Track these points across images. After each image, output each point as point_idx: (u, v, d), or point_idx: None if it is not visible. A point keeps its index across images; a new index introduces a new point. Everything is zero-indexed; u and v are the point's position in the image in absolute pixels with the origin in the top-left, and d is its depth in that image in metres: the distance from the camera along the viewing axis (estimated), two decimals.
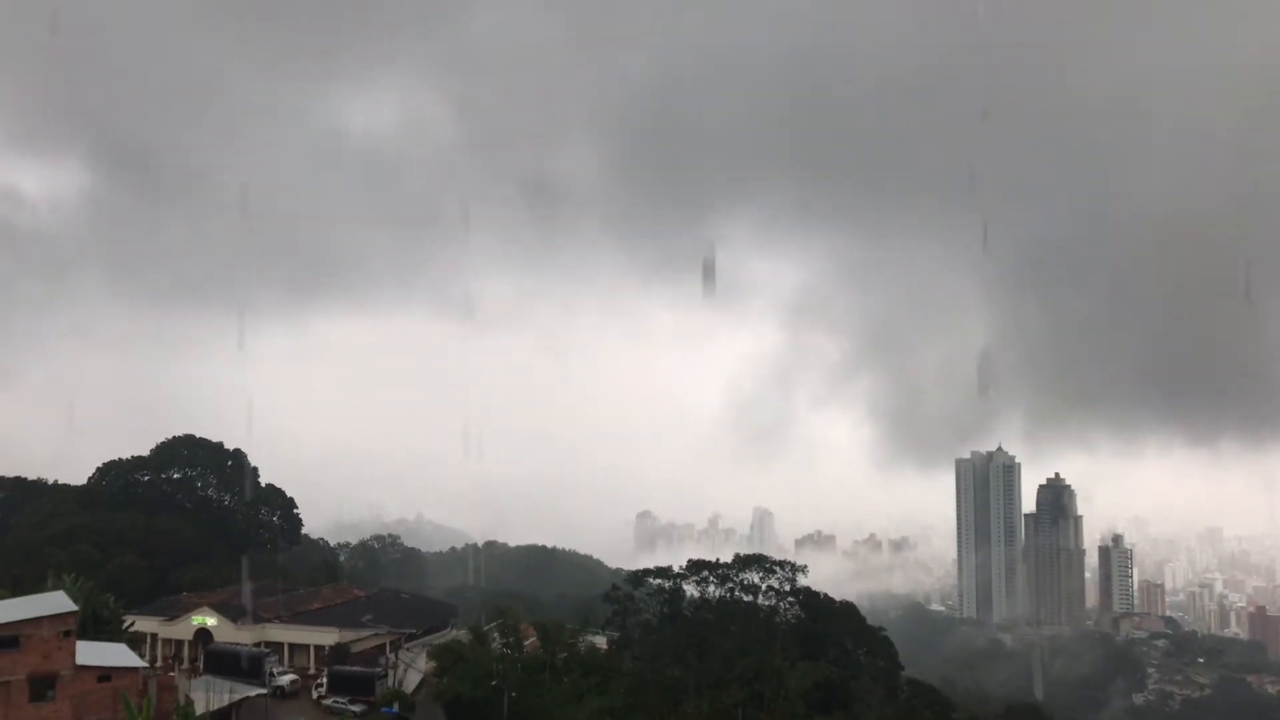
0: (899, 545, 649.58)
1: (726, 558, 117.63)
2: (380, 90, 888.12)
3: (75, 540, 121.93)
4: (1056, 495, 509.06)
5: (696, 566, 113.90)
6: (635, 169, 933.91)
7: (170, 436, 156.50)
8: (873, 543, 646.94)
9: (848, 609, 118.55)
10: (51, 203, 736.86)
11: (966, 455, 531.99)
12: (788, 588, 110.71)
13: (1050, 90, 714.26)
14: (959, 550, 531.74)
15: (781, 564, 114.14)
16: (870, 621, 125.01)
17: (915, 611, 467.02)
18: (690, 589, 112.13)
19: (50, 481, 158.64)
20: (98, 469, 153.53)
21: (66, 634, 55.93)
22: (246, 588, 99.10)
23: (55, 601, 59.34)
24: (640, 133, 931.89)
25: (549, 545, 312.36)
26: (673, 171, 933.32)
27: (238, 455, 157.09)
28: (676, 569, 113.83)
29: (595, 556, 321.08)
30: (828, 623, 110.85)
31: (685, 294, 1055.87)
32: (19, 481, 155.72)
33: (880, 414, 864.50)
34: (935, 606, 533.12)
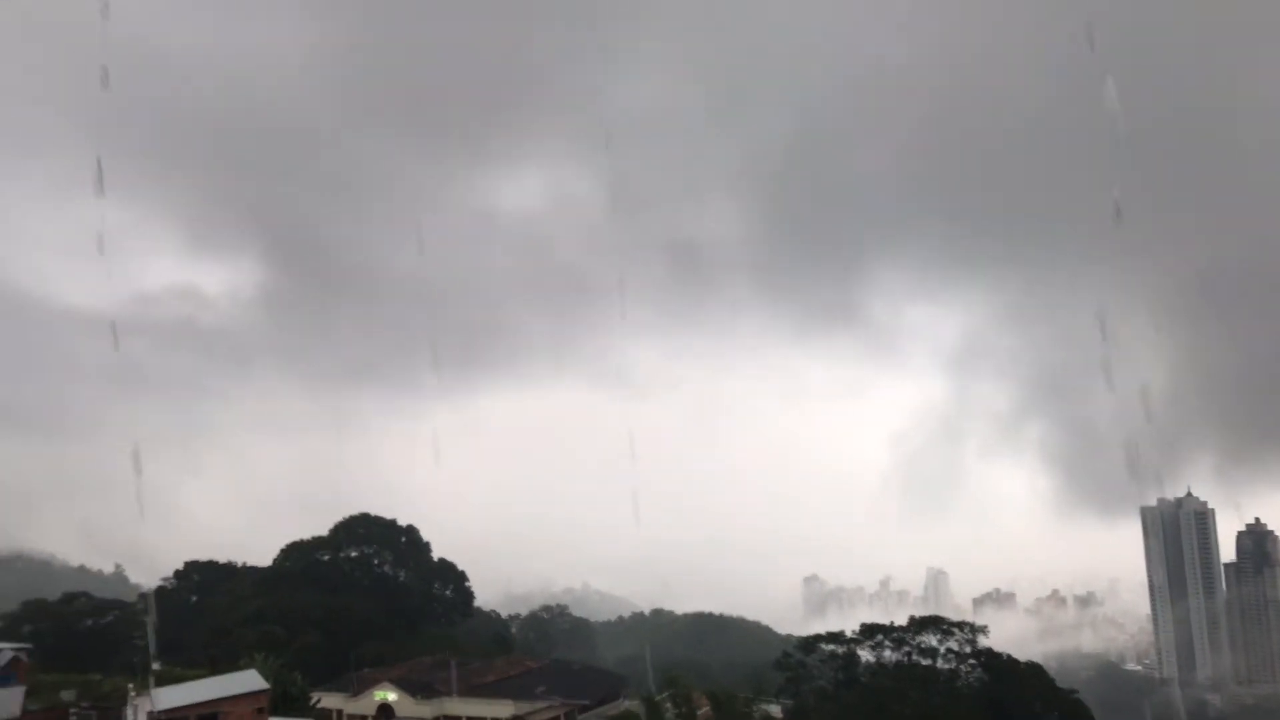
0: (1085, 601, 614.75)
1: (900, 620, 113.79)
2: (527, 168, 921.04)
3: (263, 620, 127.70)
4: (1259, 541, 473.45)
5: (870, 630, 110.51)
6: (781, 224, 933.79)
7: (347, 516, 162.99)
8: (1056, 599, 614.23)
9: (1034, 670, 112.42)
10: (230, 298, 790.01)
11: (1153, 503, 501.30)
12: (968, 650, 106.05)
13: (1216, 99, 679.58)
14: (1153, 605, 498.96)
15: (960, 625, 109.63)
16: (1060, 683, 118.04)
17: (1109, 671, 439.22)
18: (865, 654, 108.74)
19: (239, 564, 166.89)
20: (281, 550, 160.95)
21: (260, 711, 58.38)
22: (424, 662, 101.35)
23: (249, 680, 62.11)
24: (784, 188, 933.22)
25: (716, 612, 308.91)
26: (819, 224, 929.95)
27: (410, 531, 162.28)
28: (849, 633, 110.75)
29: (763, 622, 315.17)
30: (1014, 686, 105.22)
31: (839, 347, 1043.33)
32: (211, 565, 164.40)
33: (1055, 462, 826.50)
34: (1130, 666, 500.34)
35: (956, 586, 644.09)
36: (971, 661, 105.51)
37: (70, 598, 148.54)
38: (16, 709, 58.57)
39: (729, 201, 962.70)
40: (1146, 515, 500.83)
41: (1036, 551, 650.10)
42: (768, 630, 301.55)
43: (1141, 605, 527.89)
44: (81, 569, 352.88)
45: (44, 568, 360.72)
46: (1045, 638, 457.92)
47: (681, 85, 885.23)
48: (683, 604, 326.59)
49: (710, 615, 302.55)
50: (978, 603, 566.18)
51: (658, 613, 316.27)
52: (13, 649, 70.30)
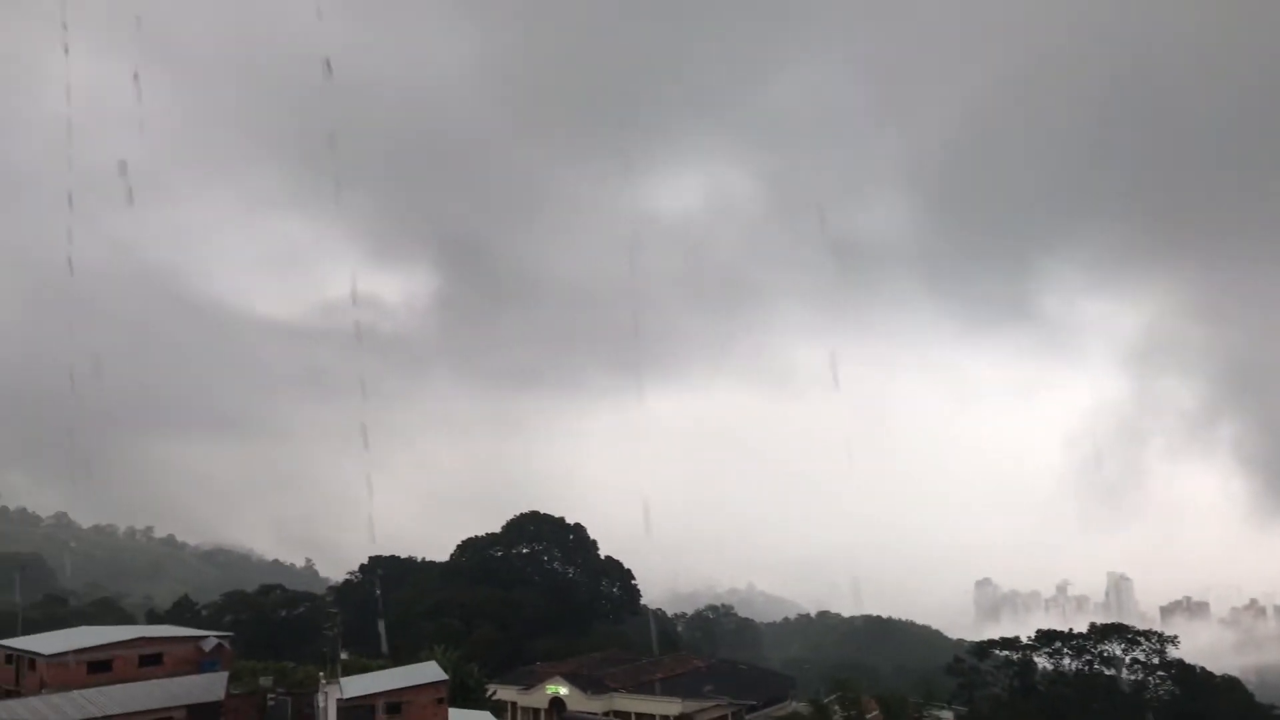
0: None
1: (1079, 628, 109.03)
2: (687, 171, 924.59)
3: (442, 614, 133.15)
4: None
5: (1048, 637, 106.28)
6: (947, 220, 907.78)
7: (517, 514, 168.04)
8: (1255, 609, 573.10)
9: (1231, 685, 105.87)
10: (407, 306, 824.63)
11: None
12: (1156, 661, 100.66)
13: None
14: None
15: (1147, 634, 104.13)
16: (1259, 699, 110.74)
17: None
18: (1042, 661, 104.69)
19: (420, 559, 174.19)
20: (458, 546, 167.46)
21: (440, 701, 61.03)
22: (593, 658, 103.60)
23: (430, 671, 64.98)
24: (950, 182, 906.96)
25: (883, 615, 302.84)
26: (987, 219, 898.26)
27: (578, 529, 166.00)
28: (1025, 639, 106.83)
29: (933, 627, 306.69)
30: (1208, 701, 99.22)
31: (1011, 345, 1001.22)
32: (393, 560, 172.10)
33: (1251, 463, 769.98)
34: None
35: (1141, 594, 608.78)
36: (1160, 673, 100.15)
37: (266, 589, 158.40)
38: (221, 693, 62.99)
39: (893, 198, 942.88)
40: None
41: (1231, 558, 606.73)
42: (938, 635, 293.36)
43: None
44: (276, 562, 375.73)
45: (243, 561, 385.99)
46: (1243, 650, 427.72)
47: (843, 82, 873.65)
48: (849, 606, 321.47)
49: (878, 618, 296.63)
50: (1166, 611, 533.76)
51: (824, 615, 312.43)
52: (217, 637, 75.62)
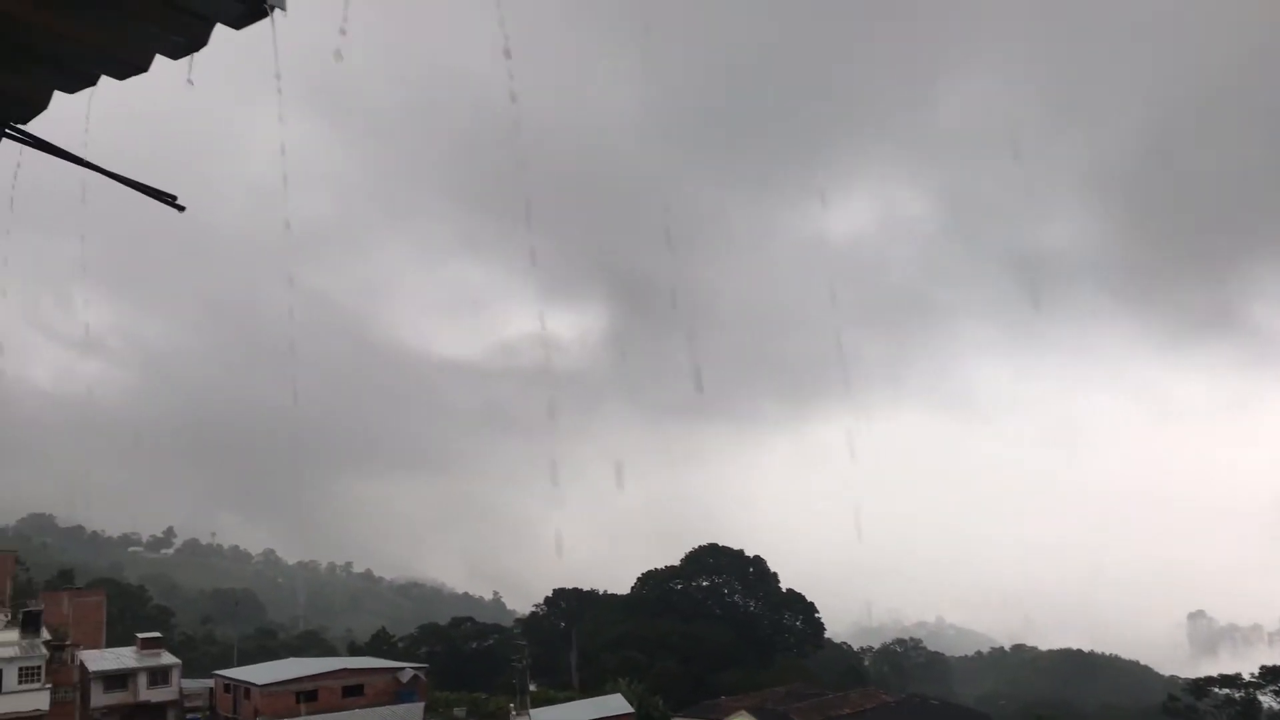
0: None
1: None
2: (857, 192, 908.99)
3: (624, 646, 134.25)
4: None
5: (1273, 674, 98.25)
6: (1138, 228, 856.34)
7: (696, 546, 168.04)
8: None
9: None
10: (580, 342, 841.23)
11: None
12: None
13: None
14: None
15: None
16: None
17: None
18: (1268, 700, 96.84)
19: (601, 592, 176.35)
20: (638, 579, 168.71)
21: None
22: (777, 692, 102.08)
23: (616, 703, 65.80)
24: (1140, 188, 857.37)
25: (1085, 649, 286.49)
26: (1183, 224, 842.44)
27: (758, 561, 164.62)
28: (1247, 676, 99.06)
29: (1142, 662, 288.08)
30: None
31: (1215, 357, 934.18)
32: (576, 592, 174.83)
33: None
34: None
35: None
36: None
37: (457, 622, 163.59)
38: None
39: (1078, 207, 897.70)
40: None
41: None
42: (1147, 671, 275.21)
43: None
44: (466, 595, 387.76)
45: (435, 594, 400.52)
46: None
47: (1020, 90, 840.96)
48: (1047, 639, 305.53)
49: (1079, 652, 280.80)
50: None
51: (1019, 649, 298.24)
52: (413, 668, 78.72)
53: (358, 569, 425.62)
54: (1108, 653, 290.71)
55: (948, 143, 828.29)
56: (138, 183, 4.35)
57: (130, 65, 4.23)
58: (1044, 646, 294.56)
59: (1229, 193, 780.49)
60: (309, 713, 67.83)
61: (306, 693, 74.19)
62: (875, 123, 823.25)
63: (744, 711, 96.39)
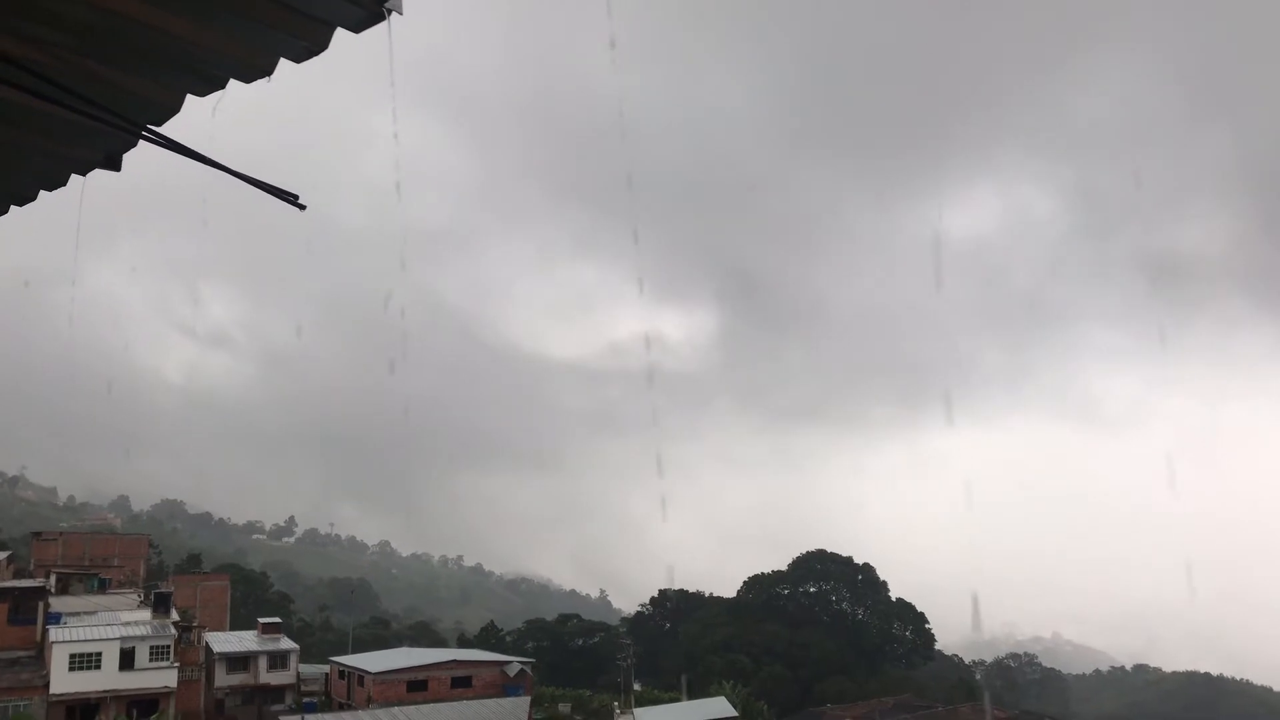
0: None
1: None
2: (981, 190, 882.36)
3: (730, 649, 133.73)
4: None
5: None
6: None
7: (803, 551, 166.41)
8: None
9: None
10: (689, 343, 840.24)
11: None
12: None
13: None
14: None
15: None
16: None
17: None
18: None
19: (706, 594, 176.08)
20: (744, 582, 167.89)
21: None
22: (885, 703, 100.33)
23: (719, 707, 65.54)
24: None
25: (1214, 672, 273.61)
26: None
27: (867, 569, 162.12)
28: None
29: (1276, 689, 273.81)
30: None
31: None
32: (682, 594, 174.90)
33: None
34: None
35: None
36: None
37: (564, 619, 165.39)
38: (524, 716, 66.38)
39: (1218, 207, 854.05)
40: None
41: None
42: None
43: None
44: (573, 592, 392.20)
45: (542, 590, 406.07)
46: None
47: (1158, 84, 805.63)
48: (1171, 661, 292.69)
49: (1206, 675, 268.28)
50: None
51: (1140, 669, 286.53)
52: (520, 662, 79.89)
53: (468, 563, 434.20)
54: (1239, 677, 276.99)
55: (1079, 139, 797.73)
56: (262, 182, 4.52)
57: (257, 69, 4.40)
58: (1168, 668, 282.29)
59: None
60: (419, 702, 69.45)
61: (417, 682, 76.09)
62: (1001, 119, 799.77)
63: None
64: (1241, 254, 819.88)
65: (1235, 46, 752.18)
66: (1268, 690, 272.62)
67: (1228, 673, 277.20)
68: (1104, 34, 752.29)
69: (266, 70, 4.35)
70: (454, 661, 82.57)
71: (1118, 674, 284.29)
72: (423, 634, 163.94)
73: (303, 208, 4.68)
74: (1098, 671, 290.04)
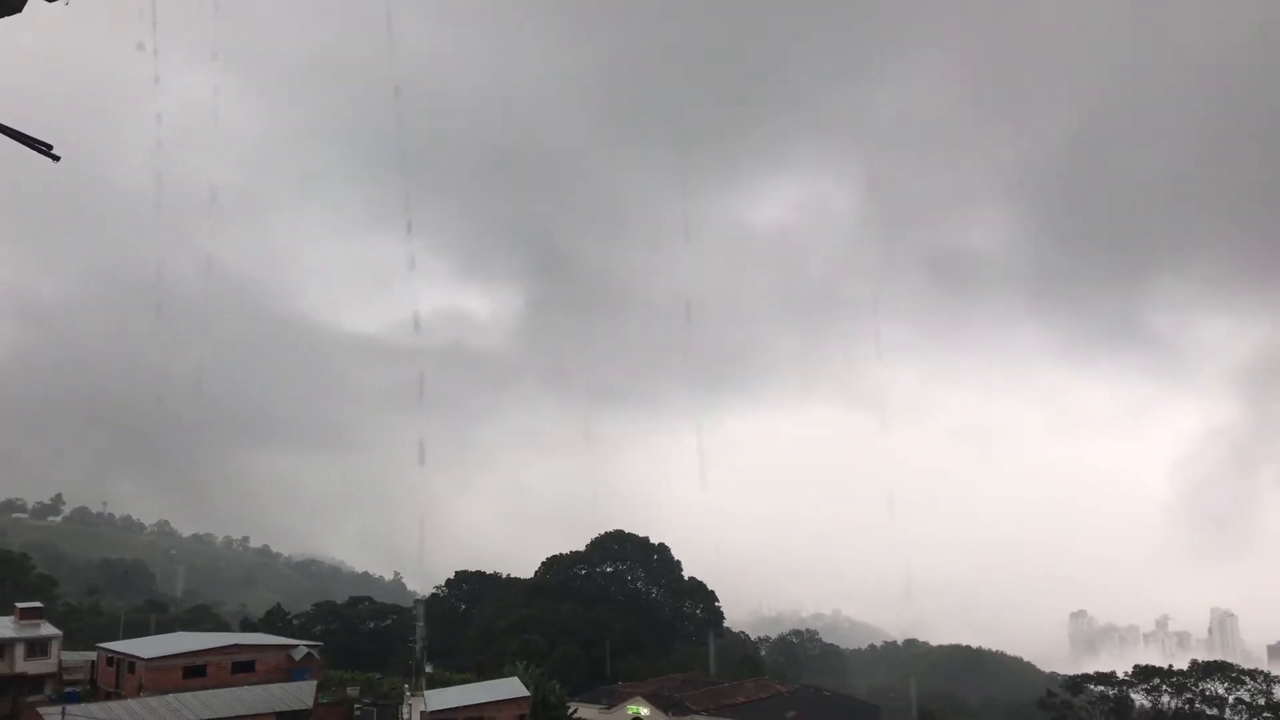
0: None
1: (1180, 664, 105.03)
2: (783, 183, 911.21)
3: (525, 630, 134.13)
4: None
5: (1146, 673, 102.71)
6: (1057, 233, 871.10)
7: (602, 532, 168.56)
8: None
9: None
10: (495, 321, 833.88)
11: None
12: (1262, 702, 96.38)
13: None
14: None
15: (1252, 674, 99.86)
16: None
17: None
18: (1139, 698, 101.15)
19: (504, 575, 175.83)
20: (542, 563, 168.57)
21: (521, 717, 61.54)
22: (675, 679, 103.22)
23: (512, 687, 65.60)
24: (1062, 193, 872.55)
25: (973, 645, 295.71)
26: (1100, 231, 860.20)
27: (662, 549, 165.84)
28: (1122, 675, 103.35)
29: (1025, 659, 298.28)
30: None
31: (1119, 367, 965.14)
32: (478, 575, 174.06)
33: None
34: None
35: (1247, 631, 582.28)
36: (1266, 715, 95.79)
37: (355, 601, 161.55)
38: (310, 701, 64.45)
39: (1000, 210, 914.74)
40: None
41: None
42: (1030, 667, 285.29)
43: None
44: (365, 575, 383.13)
45: (334, 572, 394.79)
46: None
47: (951, 88, 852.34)
48: (938, 635, 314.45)
49: (967, 648, 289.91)
50: (1274, 651, 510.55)
51: (911, 643, 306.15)
52: (308, 646, 77.42)
53: (255, 544, 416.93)
54: (994, 649, 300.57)
55: (877, 138, 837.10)
56: (8, 128, 4.17)
57: (4, 4, 4.05)
58: (935, 642, 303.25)
59: (1145, 202, 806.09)
60: (197, 688, 66.19)
61: (195, 667, 72.41)
62: (807, 113, 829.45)
63: (640, 698, 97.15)
64: (1016, 256, 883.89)
65: (1022, 58, 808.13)
66: (1018, 660, 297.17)
67: (985, 645, 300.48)
68: (903, 38, 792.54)
69: (14, 5, 3.99)
70: (236, 646, 79.10)
71: (890, 648, 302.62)
72: (204, 618, 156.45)
73: (56, 158, 4.35)
74: (873, 646, 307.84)
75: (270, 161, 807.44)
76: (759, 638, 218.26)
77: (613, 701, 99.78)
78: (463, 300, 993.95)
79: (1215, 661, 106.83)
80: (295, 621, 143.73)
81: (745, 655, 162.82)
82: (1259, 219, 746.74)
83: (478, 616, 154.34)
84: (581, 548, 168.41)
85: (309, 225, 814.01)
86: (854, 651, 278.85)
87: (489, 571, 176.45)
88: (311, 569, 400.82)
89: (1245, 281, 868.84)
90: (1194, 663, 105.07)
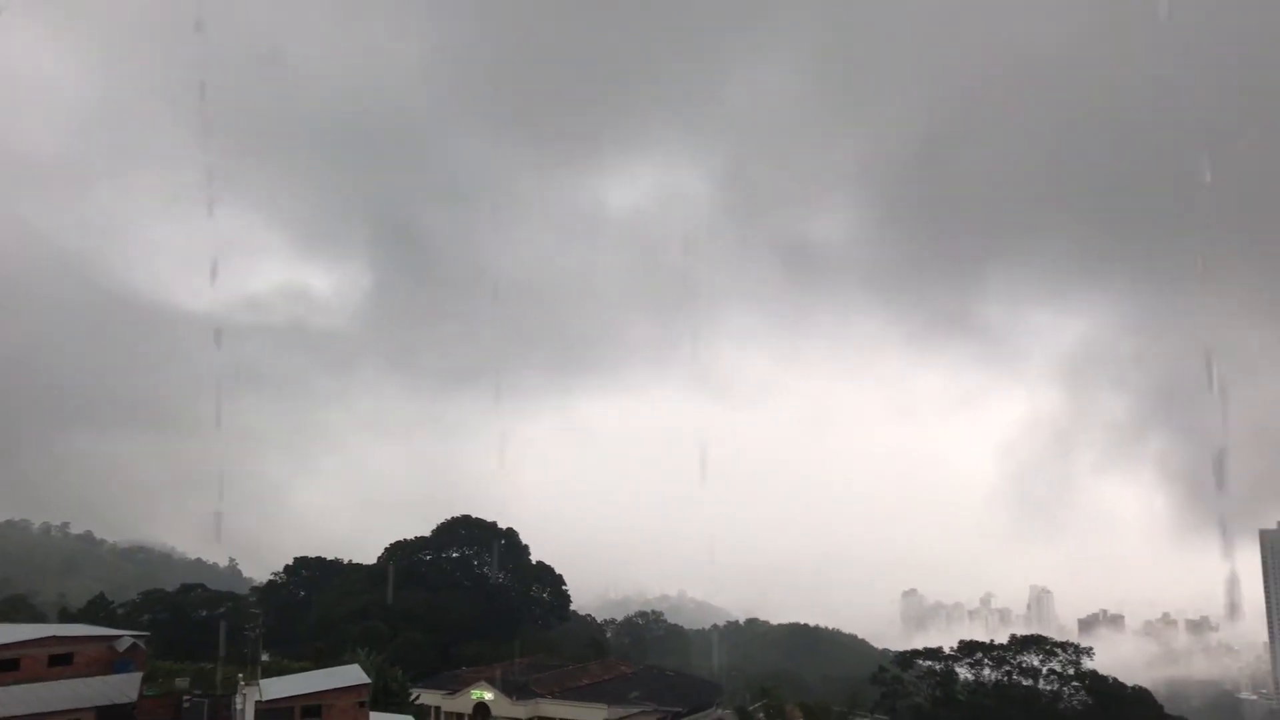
0: (1198, 626, 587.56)
1: (1001, 639, 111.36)
2: (638, 167, 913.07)
3: (368, 616, 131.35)
4: None
5: (969, 648, 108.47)
6: (901, 226, 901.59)
7: (449, 517, 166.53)
8: (1167, 623, 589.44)
9: (1141, 695, 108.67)
10: (339, 300, 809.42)
11: (1273, 525, 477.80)
12: (1071, 671, 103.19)
13: None
14: (1270, 631, 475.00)
15: (1064, 645, 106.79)
16: (1169, 710, 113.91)
17: (1223, 700, 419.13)
18: (963, 672, 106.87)
19: (346, 561, 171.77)
20: (386, 549, 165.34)
21: (362, 704, 60.19)
22: (520, 663, 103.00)
23: (352, 674, 64.09)
24: (907, 188, 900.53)
25: (812, 624, 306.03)
26: (942, 226, 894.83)
27: (510, 534, 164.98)
28: (948, 650, 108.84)
29: (860, 636, 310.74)
30: (1119, 710, 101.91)
31: (954, 356, 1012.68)
32: (320, 561, 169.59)
33: (1174, 479, 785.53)
34: (1246, 695, 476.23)
35: (1061, 606, 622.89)
36: (1075, 684, 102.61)
37: (187, 589, 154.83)
38: (134, 694, 61.43)
39: (847, 202, 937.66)
40: (1266, 538, 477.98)
41: (1149, 573, 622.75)
42: (864, 644, 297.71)
43: (1260, 632, 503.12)
44: (199, 562, 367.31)
45: (164, 560, 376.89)
46: (1155, 663, 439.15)
47: (802, 81, 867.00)
48: (779, 614, 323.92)
49: (806, 627, 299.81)
50: (1084, 624, 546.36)
51: (753, 622, 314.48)
52: (132, 636, 73.61)
53: (76, 530, 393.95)
54: (831, 627, 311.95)
55: (732, 127, 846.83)
56: None
57: None
58: (775, 621, 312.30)
59: (980, 197, 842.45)
60: (9, 684, 62.15)
61: (6, 661, 67.94)
62: (664, 100, 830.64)
63: (484, 682, 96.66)
64: (860, 246, 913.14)
65: (874, 51, 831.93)
66: (853, 637, 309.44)
67: (824, 623, 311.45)
68: (759, 26, 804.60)
69: None
70: (52, 638, 74.54)
71: (733, 628, 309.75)
72: (16, 608, 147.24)
73: None
74: (716, 626, 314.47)
75: (99, 128, 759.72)
76: (605, 620, 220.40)
77: (457, 687, 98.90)
78: (304, 277, 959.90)
79: (1032, 635, 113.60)
80: (120, 611, 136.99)
81: (591, 638, 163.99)
82: (1089, 215, 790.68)
83: (317, 603, 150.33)
84: (428, 533, 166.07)
85: (141, 197, 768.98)
86: (698, 632, 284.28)
87: (330, 558, 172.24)
88: (139, 556, 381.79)
89: (1072, 274, 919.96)
90: (1013, 637, 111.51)
